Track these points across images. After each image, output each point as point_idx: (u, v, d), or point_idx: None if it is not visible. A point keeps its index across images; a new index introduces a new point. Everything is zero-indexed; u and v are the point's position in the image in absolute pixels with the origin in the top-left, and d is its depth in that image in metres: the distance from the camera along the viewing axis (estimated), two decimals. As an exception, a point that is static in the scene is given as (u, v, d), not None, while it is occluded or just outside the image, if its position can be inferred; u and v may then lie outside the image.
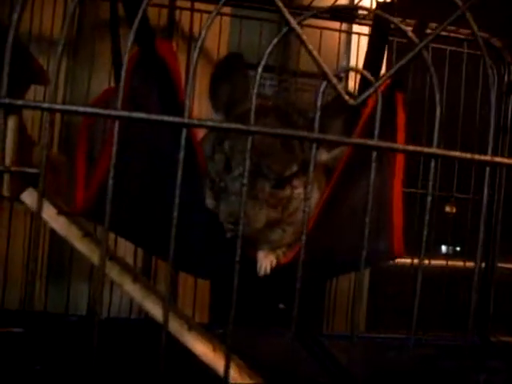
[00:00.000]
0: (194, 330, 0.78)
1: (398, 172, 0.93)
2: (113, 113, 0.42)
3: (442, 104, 0.47)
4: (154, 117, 0.42)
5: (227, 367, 0.47)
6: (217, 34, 1.35)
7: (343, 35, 1.43)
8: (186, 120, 0.42)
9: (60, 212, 0.77)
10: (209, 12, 1.30)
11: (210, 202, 0.81)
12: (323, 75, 0.44)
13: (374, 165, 0.44)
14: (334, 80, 0.43)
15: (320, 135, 0.43)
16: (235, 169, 0.78)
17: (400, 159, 0.91)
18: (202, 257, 0.84)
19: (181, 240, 0.80)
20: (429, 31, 1.30)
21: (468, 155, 0.46)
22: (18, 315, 1.20)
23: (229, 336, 0.51)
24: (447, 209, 1.49)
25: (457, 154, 0.46)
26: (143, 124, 0.79)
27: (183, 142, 0.43)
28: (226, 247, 0.73)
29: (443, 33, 1.37)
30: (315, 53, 0.45)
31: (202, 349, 0.79)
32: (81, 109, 0.42)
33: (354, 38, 1.45)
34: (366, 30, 1.33)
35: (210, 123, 0.44)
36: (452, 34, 1.34)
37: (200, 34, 0.47)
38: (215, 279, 1.08)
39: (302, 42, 0.43)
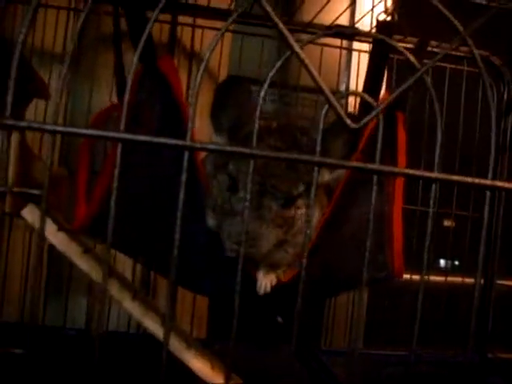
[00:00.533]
0: (192, 348, 0.78)
1: (398, 193, 0.93)
2: (116, 135, 0.42)
3: (443, 126, 0.47)
4: (157, 140, 0.42)
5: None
6: (218, 50, 1.36)
7: (344, 52, 1.43)
8: (188, 143, 0.42)
9: (60, 228, 0.77)
10: (210, 28, 1.31)
11: (211, 221, 0.82)
12: (325, 99, 0.44)
13: (375, 188, 0.44)
14: (336, 104, 0.44)
15: (322, 159, 0.43)
16: (241, 190, 0.78)
17: (400, 179, 0.91)
18: (203, 274, 0.84)
19: (181, 257, 0.80)
20: (429, 49, 1.31)
21: (469, 179, 0.46)
22: (16, 329, 1.19)
23: (230, 355, 0.51)
24: (446, 223, 1.49)
25: (457, 178, 0.46)
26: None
27: (186, 164, 0.43)
28: (227, 265, 0.73)
29: (443, 51, 1.38)
30: (317, 77, 0.45)
31: (200, 366, 0.78)
32: (83, 131, 0.42)
33: (355, 54, 1.45)
34: (366, 47, 1.34)
35: (212, 146, 0.45)
36: (452, 52, 1.34)
37: (202, 52, 0.47)
38: (215, 297, 1.08)
39: (306, 67, 0.43)
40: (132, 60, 0.92)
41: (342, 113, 0.43)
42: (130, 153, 0.82)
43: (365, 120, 0.44)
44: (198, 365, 0.78)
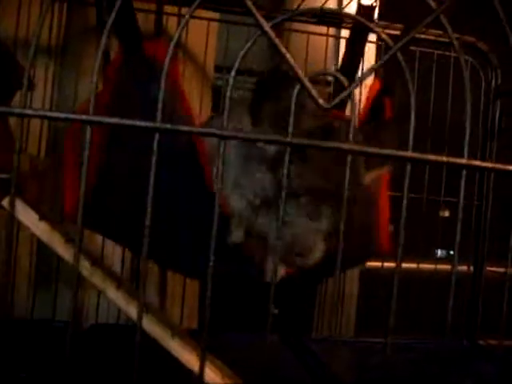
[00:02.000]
0: (177, 337, 0.78)
1: (384, 176, 0.94)
2: (84, 118, 0.41)
3: (415, 107, 0.47)
4: (126, 122, 0.42)
5: (202, 366, 0.47)
6: (204, 40, 1.35)
7: (331, 40, 1.43)
8: (158, 125, 0.42)
9: (42, 218, 0.77)
10: (196, 17, 1.30)
11: (238, 235, 0.79)
12: (297, 79, 0.44)
13: (347, 168, 0.44)
14: (308, 84, 0.43)
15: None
16: (300, 196, 0.73)
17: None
18: (198, 256, 0.83)
19: (173, 241, 0.79)
20: (418, 36, 1.31)
21: (444, 158, 0.46)
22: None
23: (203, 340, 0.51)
24: (441, 213, 1.49)
25: (431, 157, 0.46)
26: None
27: (155, 147, 0.42)
28: (227, 250, 0.73)
29: (430, 37, 1.37)
30: (290, 57, 0.45)
31: (185, 356, 0.78)
32: (49, 113, 0.41)
33: (343, 42, 1.45)
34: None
35: (185, 128, 0.44)
36: (440, 38, 1.34)
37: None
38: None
39: (275, 46, 0.43)
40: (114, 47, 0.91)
41: (315, 93, 0.43)
42: (118, 138, 0.81)
43: (337, 99, 0.43)
44: (184, 354, 0.78)
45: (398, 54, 0.46)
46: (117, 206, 0.83)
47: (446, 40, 1.31)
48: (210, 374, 0.77)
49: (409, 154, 0.45)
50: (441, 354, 1.26)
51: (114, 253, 1.27)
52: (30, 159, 0.96)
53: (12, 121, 0.93)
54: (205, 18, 1.34)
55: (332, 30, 1.39)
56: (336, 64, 1.52)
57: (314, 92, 0.43)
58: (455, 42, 0.52)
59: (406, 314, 1.31)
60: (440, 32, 1.36)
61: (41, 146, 1.32)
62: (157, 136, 0.42)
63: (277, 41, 0.43)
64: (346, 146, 0.44)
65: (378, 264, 1.40)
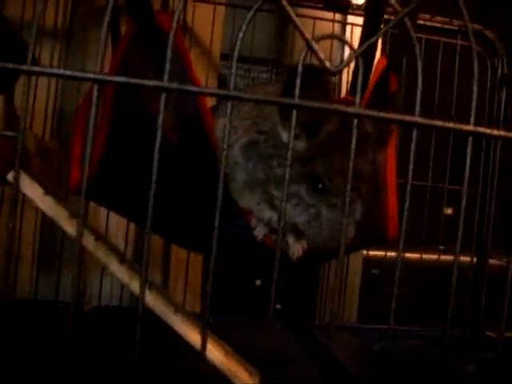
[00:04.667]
0: (180, 313, 0.78)
1: (391, 161, 0.94)
2: (91, 76, 0.41)
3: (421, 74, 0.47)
4: (132, 80, 0.42)
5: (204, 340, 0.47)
6: (210, 24, 1.35)
7: (338, 26, 1.43)
8: (165, 84, 0.42)
9: (47, 192, 0.77)
10: (201, 1, 1.30)
11: (260, 231, 0.80)
12: (305, 42, 0.44)
13: (354, 131, 0.44)
14: (316, 47, 0.43)
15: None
16: (332, 192, 0.72)
17: (392, 145, 0.91)
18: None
19: (177, 211, 0.78)
20: (421, 22, 1.31)
21: (450, 124, 0.46)
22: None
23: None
24: (445, 210, 1.48)
25: (438, 123, 0.46)
26: (144, 95, 0.77)
27: (162, 106, 0.43)
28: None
29: (437, 24, 1.37)
30: (297, 21, 0.45)
31: (187, 331, 0.78)
32: (56, 71, 0.41)
33: (349, 28, 1.44)
34: (360, 20, 1.33)
35: (192, 88, 0.44)
36: (446, 26, 1.34)
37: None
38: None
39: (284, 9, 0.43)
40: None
41: (322, 56, 0.43)
42: (129, 109, 0.80)
43: (344, 64, 0.43)
44: (186, 330, 0.78)
45: (406, 20, 0.46)
46: (123, 178, 0.82)
47: (453, 27, 1.31)
48: (213, 350, 0.77)
49: (416, 118, 0.45)
50: (443, 342, 1.26)
51: (118, 232, 1.28)
52: (35, 137, 0.96)
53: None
54: (209, 1, 1.33)
55: (338, 16, 1.38)
56: (342, 49, 1.52)
57: (320, 55, 0.43)
58: (469, 28, 0.51)
59: (410, 304, 1.32)
60: (447, 19, 1.36)
61: (46, 129, 1.32)
62: (163, 96, 0.42)
63: (289, 8, 0.43)
64: (351, 109, 0.44)
65: (382, 253, 1.41)
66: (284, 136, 0.73)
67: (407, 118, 0.45)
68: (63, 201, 0.80)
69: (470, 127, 0.46)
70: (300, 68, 0.42)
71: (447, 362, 1.19)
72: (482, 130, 0.47)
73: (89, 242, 0.76)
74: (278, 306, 1.50)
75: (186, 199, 0.80)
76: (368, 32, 0.95)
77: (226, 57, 1.50)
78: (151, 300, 0.76)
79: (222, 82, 1.50)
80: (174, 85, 0.42)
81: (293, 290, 1.48)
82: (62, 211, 0.76)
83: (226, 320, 1.18)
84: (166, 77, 0.42)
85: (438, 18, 1.31)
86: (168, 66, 0.43)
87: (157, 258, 1.34)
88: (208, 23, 1.37)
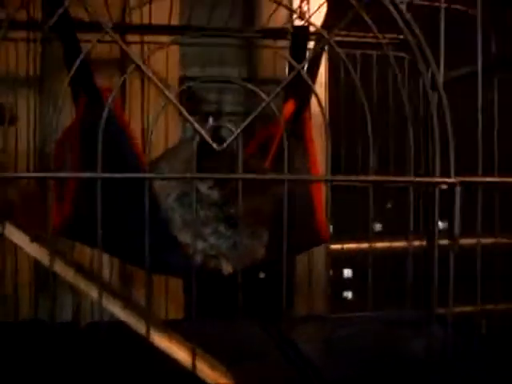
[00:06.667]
0: (153, 327, 0.94)
1: (314, 167, 1.14)
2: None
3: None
4: (73, 174, 0.58)
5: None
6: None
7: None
8: (99, 174, 0.58)
9: (32, 240, 0.93)
10: (157, 43, 1.46)
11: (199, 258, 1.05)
12: (189, 124, 0.60)
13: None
14: (198, 127, 0.59)
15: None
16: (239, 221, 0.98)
17: (314, 160, 1.10)
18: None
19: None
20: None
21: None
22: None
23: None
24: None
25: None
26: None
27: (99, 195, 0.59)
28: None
29: (370, 40, 1.52)
30: (169, 94, 0.60)
31: (157, 339, 0.94)
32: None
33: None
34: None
35: (125, 175, 0.60)
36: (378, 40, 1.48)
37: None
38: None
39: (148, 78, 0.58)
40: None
41: (208, 138, 0.58)
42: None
43: (228, 141, 0.59)
44: (156, 337, 0.93)
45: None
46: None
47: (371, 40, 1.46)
48: (178, 352, 0.93)
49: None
50: (401, 323, 1.42)
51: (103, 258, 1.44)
52: (18, 186, 1.12)
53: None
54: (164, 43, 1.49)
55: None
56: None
57: (206, 137, 0.59)
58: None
59: (377, 291, 1.46)
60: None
61: (29, 166, 1.48)
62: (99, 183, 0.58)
63: (150, 74, 0.59)
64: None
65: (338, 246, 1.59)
66: (202, 188, 0.99)
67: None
68: (46, 243, 0.97)
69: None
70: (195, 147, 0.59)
71: (398, 340, 1.37)
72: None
73: (69, 275, 0.93)
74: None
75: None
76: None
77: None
78: (124, 316, 0.94)
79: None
80: (106, 174, 0.58)
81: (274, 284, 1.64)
82: (45, 253, 0.93)
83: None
84: (99, 168, 0.58)
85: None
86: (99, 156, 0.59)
87: (140, 275, 1.51)
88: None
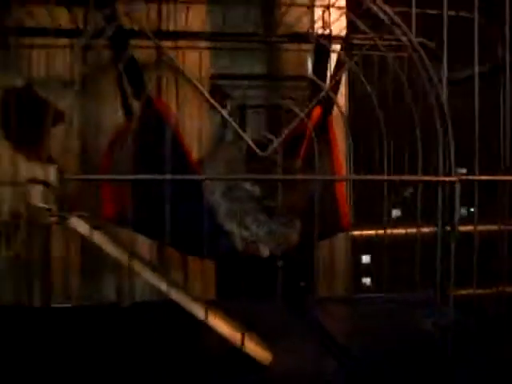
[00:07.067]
0: (195, 300, 1.08)
1: (338, 164, 1.27)
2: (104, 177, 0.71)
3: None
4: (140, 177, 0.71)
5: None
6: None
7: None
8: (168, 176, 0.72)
9: (93, 228, 1.07)
10: (190, 48, 1.59)
11: (240, 243, 1.26)
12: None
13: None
14: (243, 133, 0.72)
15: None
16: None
17: (337, 155, 1.25)
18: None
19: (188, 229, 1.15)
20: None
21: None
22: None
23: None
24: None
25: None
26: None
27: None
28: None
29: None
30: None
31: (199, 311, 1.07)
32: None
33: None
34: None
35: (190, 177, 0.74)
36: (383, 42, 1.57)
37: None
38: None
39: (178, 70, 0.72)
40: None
41: (250, 141, 0.71)
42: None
43: (271, 148, 0.72)
44: (198, 309, 1.07)
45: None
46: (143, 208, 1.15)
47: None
48: (222, 325, 1.06)
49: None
50: (413, 304, 1.53)
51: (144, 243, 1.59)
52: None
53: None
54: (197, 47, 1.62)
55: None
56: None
57: (250, 141, 0.71)
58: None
59: (396, 275, 1.55)
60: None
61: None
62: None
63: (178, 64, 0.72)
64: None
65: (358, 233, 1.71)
66: (246, 185, 1.16)
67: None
68: (105, 229, 1.11)
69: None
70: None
71: (410, 318, 1.48)
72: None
73: (124, 259, 1.07)
74: (303, 284, 1.81)
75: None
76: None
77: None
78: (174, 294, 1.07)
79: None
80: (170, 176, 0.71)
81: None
82: (105, 239, 1.07)
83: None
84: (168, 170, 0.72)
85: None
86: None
87: (177, 259, 1.66)
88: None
